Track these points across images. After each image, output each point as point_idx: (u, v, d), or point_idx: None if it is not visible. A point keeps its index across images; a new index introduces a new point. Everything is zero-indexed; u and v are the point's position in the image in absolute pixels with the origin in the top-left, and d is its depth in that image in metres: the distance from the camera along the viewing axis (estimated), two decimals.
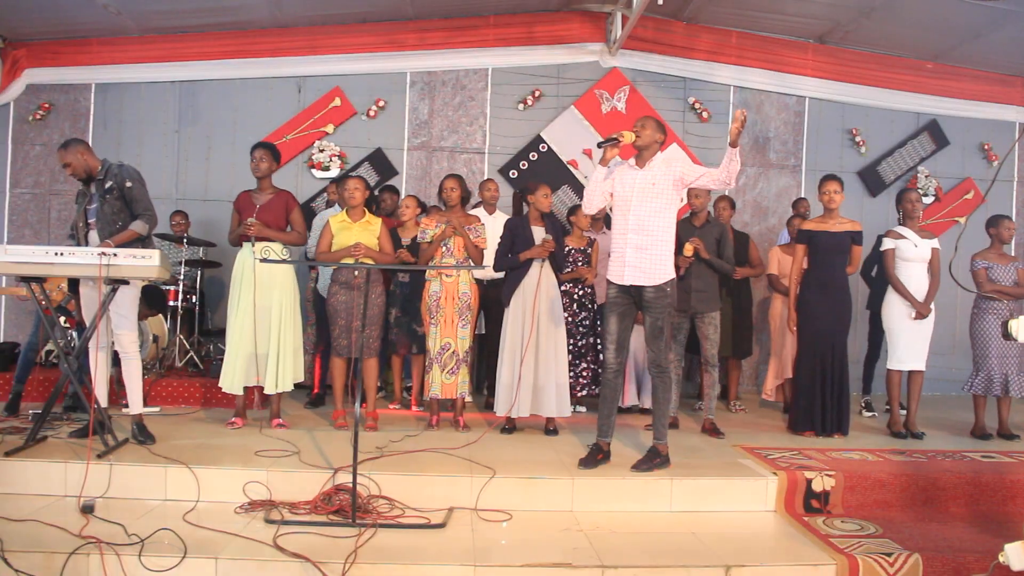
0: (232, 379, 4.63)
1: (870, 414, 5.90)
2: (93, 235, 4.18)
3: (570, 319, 5.42)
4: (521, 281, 4.76)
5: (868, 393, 6.23)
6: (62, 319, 5.08)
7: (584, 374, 5.45)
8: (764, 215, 7.35)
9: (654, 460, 3.99)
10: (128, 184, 4.16)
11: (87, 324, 4.19)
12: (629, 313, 4.07)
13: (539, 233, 4.80)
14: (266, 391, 4.67)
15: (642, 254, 3.95)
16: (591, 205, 4.09)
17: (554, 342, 4.73)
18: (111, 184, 4.16)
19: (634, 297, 4.02)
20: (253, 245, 4.60)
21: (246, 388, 4.72)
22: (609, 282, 4.06)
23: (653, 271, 3.95)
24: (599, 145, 3.94)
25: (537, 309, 4.69)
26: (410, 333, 5.38)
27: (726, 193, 6.99)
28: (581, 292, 5.51)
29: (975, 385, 5.12)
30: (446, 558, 3.08)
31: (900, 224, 5.18)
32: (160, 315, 5.89)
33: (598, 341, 5.52)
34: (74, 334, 4.98)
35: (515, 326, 4.74)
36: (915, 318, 4.95)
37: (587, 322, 5.49)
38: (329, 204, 6.26)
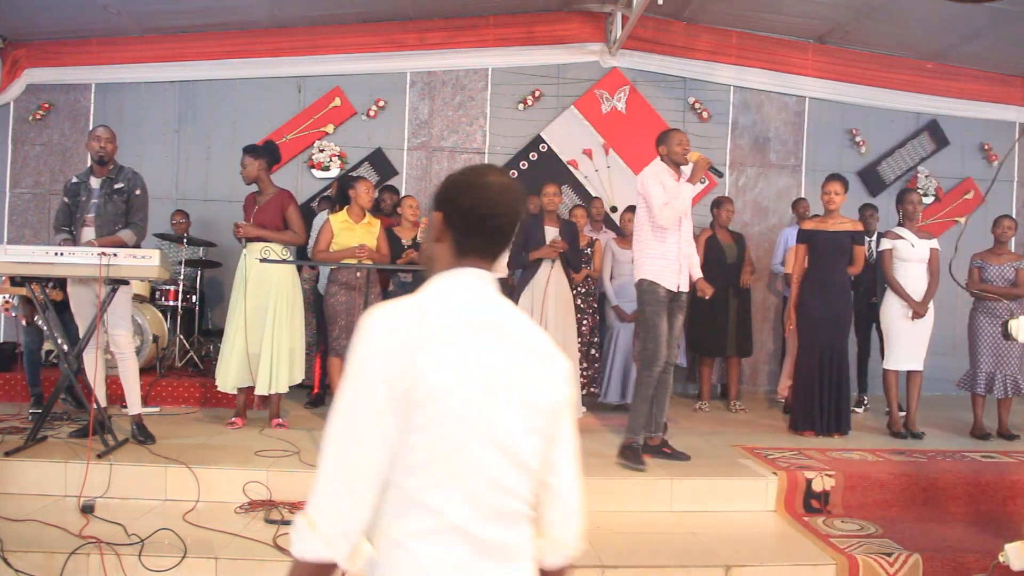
0: (231, 378, 4.63)
1: (859, 409, 5.98)
2: (89, 231, 4.17)
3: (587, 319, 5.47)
4: (531, 280, 4.79)
5: (864, 391, 6.24)
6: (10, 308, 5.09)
7: (586, 374, 5.46)
8: (764, 215, 7.35)
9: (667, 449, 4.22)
10: (137, 192, 4.24)
11: (80, 323, 4.19)
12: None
13: (551, 233, 4.81)
14: (272, 391, 4.67)
15: (688, 262, 4.22)
16: (673, 220, 4.11)
17: (562, 342, 4.73)
18: (122, 186, 4.18)
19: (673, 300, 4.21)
20: (244, 246, 4.60)
21: (247, 388, 4.72)
22: (659, 284, 4.11)
23: (687, 277, 4.24)
24: (718, 176, 4.37)
25: (545, 309, 4.70)
26: None
27: (727, 194, 7.01)
28: (584, 290, 5.53)
29: (964, 380, 5.20)
30: None
31: (900, 224, 5.18)
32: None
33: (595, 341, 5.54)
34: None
35: None
36: (912, 318, 4.95)
37: (590, 323, 5.51)
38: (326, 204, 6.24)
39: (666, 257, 4.13)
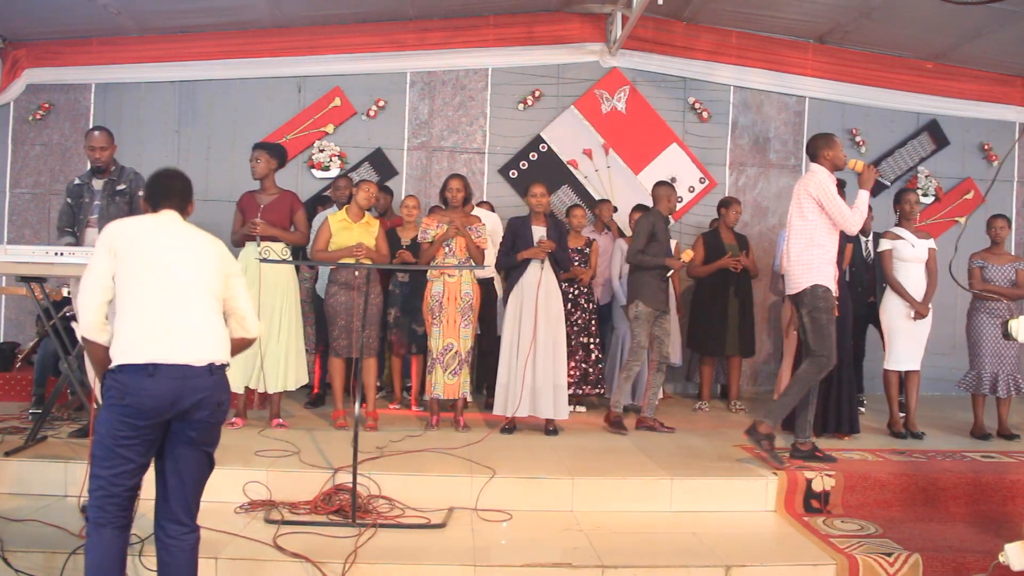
0: (237, 377, 4.62)
1: (862, 409, 5.96)
2: (92, 232, 4.16)
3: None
4: (519, 281, 4.76)
5: (860, 392, 6.23)
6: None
7: (572, 373, 5.43)
8: (764, 215, 7.35)
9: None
10: (141, 193, 4.21)
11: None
12: None
13: (539, 233, 4.80)
14: (269, 390, 4.67)
15: None
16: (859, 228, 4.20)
17: (552, 343, 4.72)
18: (125, 187, 4.19)
19: None
20: (259, 245, 4.60)
21: (246, 388, 4.72)
22: (831, 291, 4.15)
23: None
24: (884, 187, 4.31)
25: (537, 310, 4.69)
26: (410, 333, 5.37)
27: (727, 194, 7.01)
28: (576, 291, 5.51)
29: (966, 382, 5.17)
30: (446, 558, 3.08)
31: (897, 224, 5.18)
32: None
33: (590, 341, 5.52)
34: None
35: (512, 326, 4.74)
36: (915, 318, 4.95)
37: (580, 322, 5.48)
38: (324, 204, 6.24)
39: (833, 263, 4.17)
